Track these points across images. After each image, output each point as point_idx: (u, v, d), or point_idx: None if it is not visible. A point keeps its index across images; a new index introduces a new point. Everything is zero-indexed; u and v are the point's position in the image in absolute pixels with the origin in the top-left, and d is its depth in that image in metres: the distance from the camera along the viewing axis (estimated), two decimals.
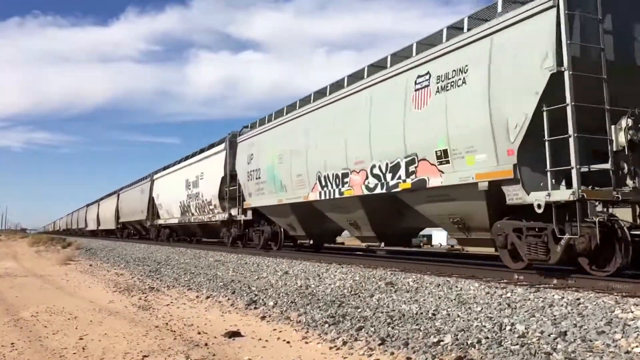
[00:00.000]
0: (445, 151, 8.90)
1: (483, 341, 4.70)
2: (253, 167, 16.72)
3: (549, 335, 4.66)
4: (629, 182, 7.24)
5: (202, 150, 23.28)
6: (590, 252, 7.08)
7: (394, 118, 10.15)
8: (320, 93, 13.41)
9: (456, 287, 7.46)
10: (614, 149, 7.15)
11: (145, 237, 34.86)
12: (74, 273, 14.06)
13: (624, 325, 4.67)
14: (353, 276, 9.33)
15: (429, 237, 39.71)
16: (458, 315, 5.76)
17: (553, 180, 7.29)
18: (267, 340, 5.58)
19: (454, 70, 8.75)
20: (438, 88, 9.08)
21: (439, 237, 39.07)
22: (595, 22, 7.26)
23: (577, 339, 4.48)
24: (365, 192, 11.07)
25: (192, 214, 23.97)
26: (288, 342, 5.48)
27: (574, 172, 6.92)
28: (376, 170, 10.79)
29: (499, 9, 8.35)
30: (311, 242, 16.01)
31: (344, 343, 5.20)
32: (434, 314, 5.96)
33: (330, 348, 5.12)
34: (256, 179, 16.42)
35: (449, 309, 6.09)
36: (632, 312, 5.08)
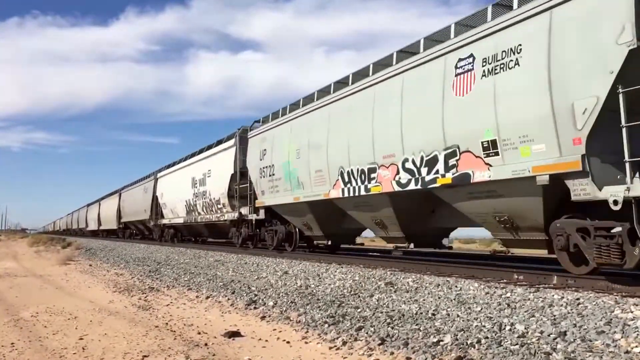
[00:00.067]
0: (493, 142, 7.96)
1: (483, 341, 4.70)
2: (266, 163, 15.80)
3: (549, 335, 4.66)
4: None
5: (209, 147, 22.29)
6: None
7: (430, 107, 9.20)
8: (342, 83, 12.50)
9: (456, 287, 7.46)
10: None
11: (148, 238, 34.37)
12: (73, 273, 14.07)
13: (624, 325, 4.67)
14: (353, 276, 9.33)
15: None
16: (458, 315, 5.77)
17: (634, 173, 6.28)
18: (267, 340, 5.59)
19: (504, 51, 7.80)
20: (484, 71, 8.14)
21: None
22: None
23: (576, 339, 4.48)
24: (397, 188, 10.09)
25: (199, 214, 23.15)
26: (288, 342, 5.49)
27: None
28: (409, 164, 9.84)
29: None
30: (329, 242, 14.72)
31: (344, 343, 5.20)
32: (433, 314, 5.96)
33: (330, 348, 5.13)
34: (269, 175, 15.53)
35: (448, 309, 6.09)
36: (632, 312, 5.08)
